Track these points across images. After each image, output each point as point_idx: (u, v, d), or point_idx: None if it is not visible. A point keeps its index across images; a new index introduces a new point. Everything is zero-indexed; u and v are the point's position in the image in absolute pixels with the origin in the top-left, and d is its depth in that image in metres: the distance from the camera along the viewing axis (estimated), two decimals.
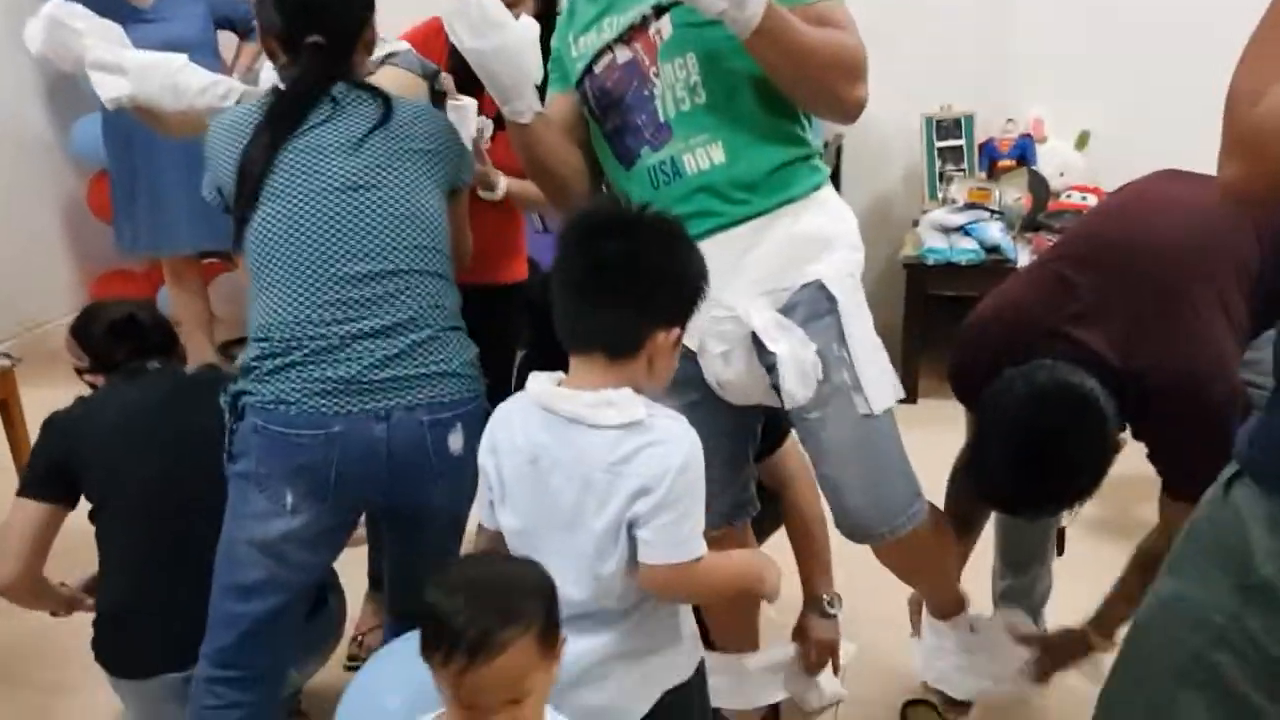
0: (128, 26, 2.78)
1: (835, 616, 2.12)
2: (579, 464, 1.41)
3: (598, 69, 1.79)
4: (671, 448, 1.39)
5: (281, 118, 1.76)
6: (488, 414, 1.79)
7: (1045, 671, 2.09)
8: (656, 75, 1.73)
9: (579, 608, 1.45)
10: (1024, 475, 1.75)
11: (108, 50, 1.99)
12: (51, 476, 1.98)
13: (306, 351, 1.69)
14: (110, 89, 1.98)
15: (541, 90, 1.78)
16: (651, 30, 1.73)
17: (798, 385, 1.73)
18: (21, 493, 2.00)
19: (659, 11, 1.72)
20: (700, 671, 1.59)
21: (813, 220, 1.78)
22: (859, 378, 1.74)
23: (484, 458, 1.53)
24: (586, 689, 1.48)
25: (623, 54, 1.76)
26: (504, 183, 2.28)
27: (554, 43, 1.90)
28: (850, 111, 1.71)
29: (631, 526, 1.40)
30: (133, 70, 1.95)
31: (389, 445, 1.71)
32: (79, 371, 2.19)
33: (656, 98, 1.74)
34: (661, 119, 1.74)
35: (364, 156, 1.76)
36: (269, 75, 2.24)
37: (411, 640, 1.29)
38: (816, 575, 2.15)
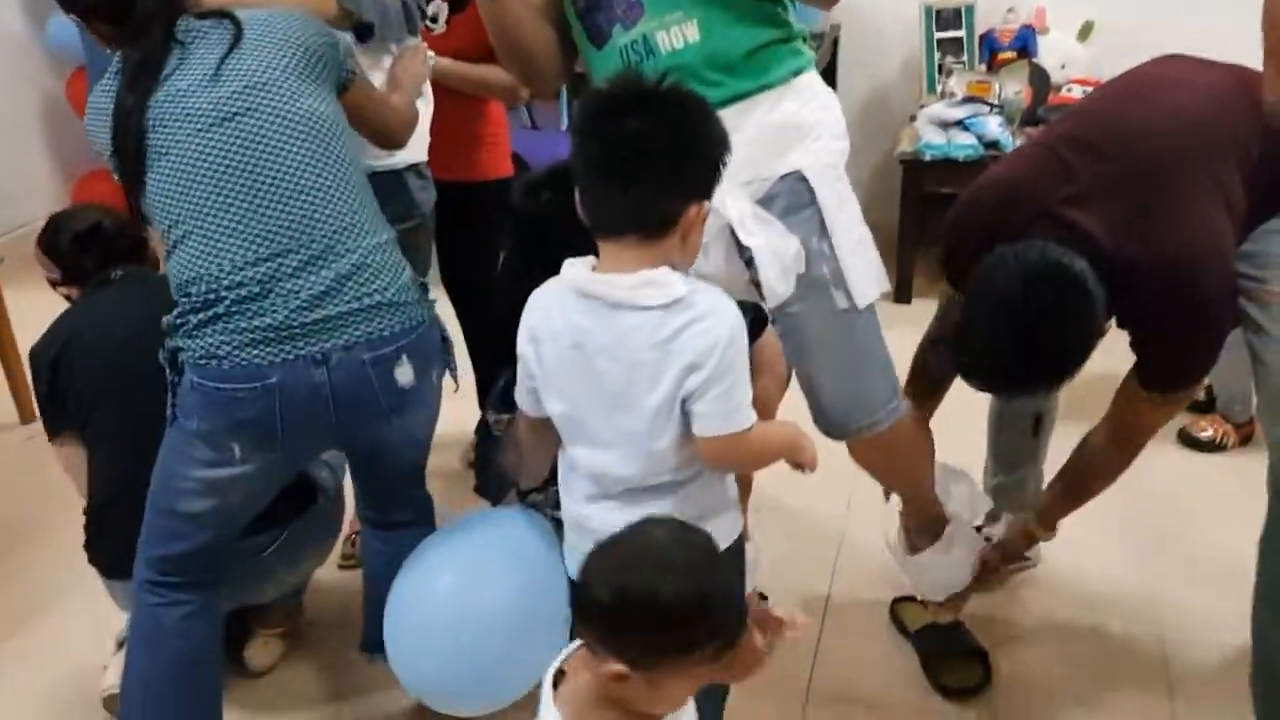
0: None
1: None
2: (624, 346, 1.43)
3: None
4: (716, 321, 1.41)
5: (137, 77, 1.68)
6: (442, 334, 1.80)
7: (994, 567, 2.17)
8: None
9: (632, 482, 1.49)
10: (1008, 351, 1.75)
11: None
12: (58, 410, 2.01)
13: (229, 302, 1.63)
14: None
15: None
16: None
17: (777, 280, 1.71)
18: (51, 439, 2.04)
19: None
20: (741, 537, 1.62)
21: (793, 107, 1.73)
22: (841, 271, 1.72)
23: (523, 346, 1.53)
24: None
25: None
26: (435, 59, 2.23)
27: None
28: None
29: (684, 402, 1.43)
30: None
31: (332, 389, 1.65)
32: (52, 284, 2.18)
33: None
34: None
35: (226, 85, 1.67)
36: None
37: (459, 523, 1.27)
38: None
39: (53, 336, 2.01)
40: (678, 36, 1.68)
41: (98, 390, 1.95)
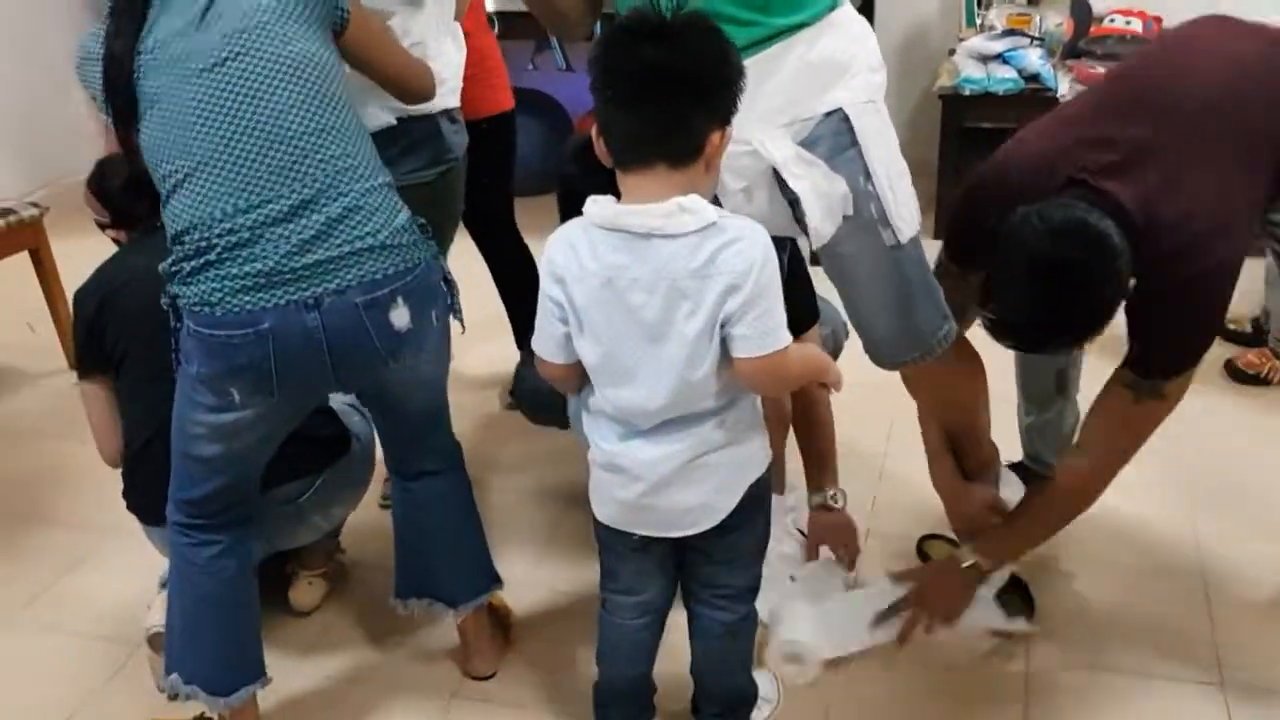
0: None
1: (841, 509, 2.15)
2: (661, 275, 1.44)
3: None
4: (750, 243, 1.43)
5: (121, 23, 1.66)
6: (445, 276, 1.78)
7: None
8: None
9: (669, 413, 1.52)
10: (1037, 308, 1.74)
11: None
12: (92, 352, 2.01)
13: (220, 249, 1.62)
14: None
15: None
16: None
17: (823, 221, 1.71)
18: (80, 377, 2.04)
19: None
20: (769, 470, 1.65)
21: (830, 44, 1.71)
22: (885, 210, 1.72)
23: (550, 288, 1.53)
24: (677, 489, 1.55)
25: None
26: None
27: None
28: None
29: (724, 325, 1.45)
30: None
31: (325, 333, 1.64)
32: (100, 226, 2.18)
33: None
34: None
35: (214, 29, 1.64)
36: None
37: None
38: (823, 468, 2.17)
39: (99, 281, 2.03)
40: None
41: (133, 338, 1.97)
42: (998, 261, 1.77)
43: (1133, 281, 1.76)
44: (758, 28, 1.66)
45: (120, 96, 1.67)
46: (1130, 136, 1.77)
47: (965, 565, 1.98)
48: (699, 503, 1.56)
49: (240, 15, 1.65)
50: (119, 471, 2.09)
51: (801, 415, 2.18)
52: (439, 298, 1.78)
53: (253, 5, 1.66)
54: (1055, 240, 1.69)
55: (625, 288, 1.46)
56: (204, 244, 1.63)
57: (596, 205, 1.48)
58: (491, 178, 2.60)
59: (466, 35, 2.34)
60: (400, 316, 1.69)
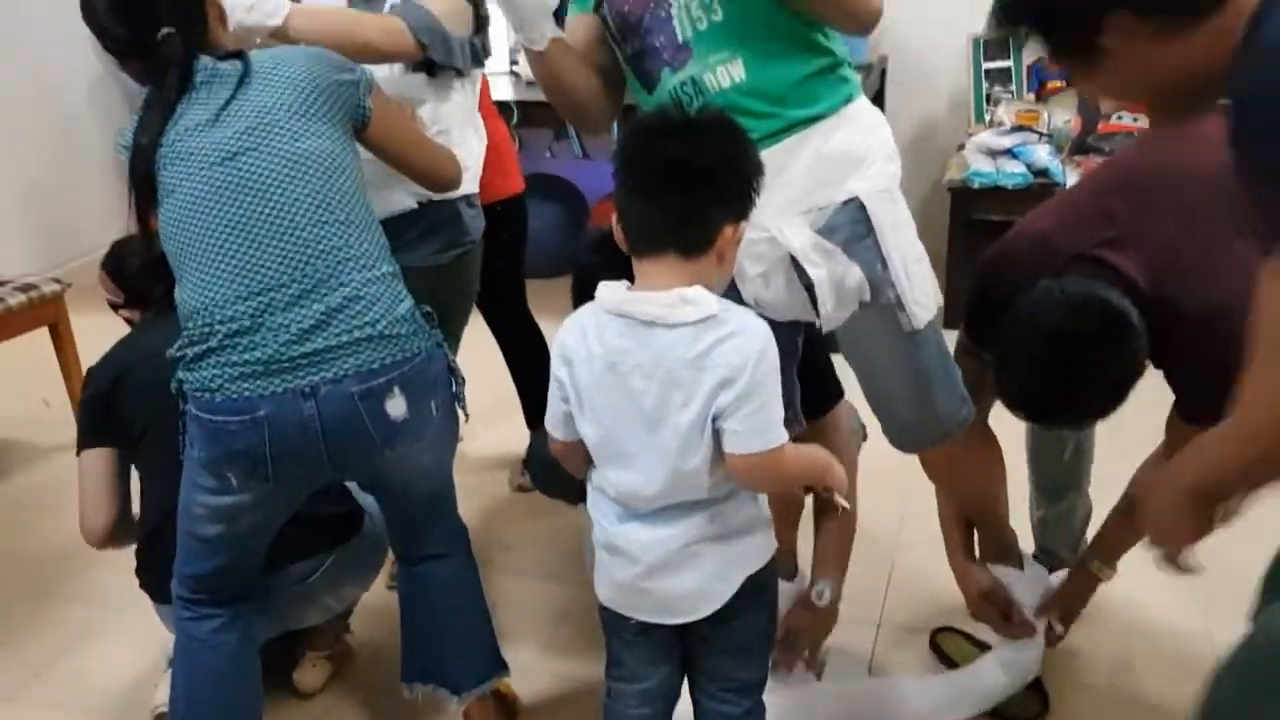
0: None
1: (823, 608, 2.10)
2: (659, 364, 1.46)
3: None
4: (748, 337, 1.44)
5: (150, 117, 1.72)
6: (449, 365, 1.80)
7: (1064, 620, 2.10)
8: None
9: (665, 499, 1.51)
10: (1054, 382, 1.75)
11: None
12: (100, 423, 2.03)
13: (221, 336, 1.65)
14: None
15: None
16: None
17: (836, 308, 1.75)
18: (80, 448, 2.05)
19: None
20: (774, 562, 1.63)
21: (846, 136, 1.76)
22: (902, 296, 1.75)
23: (558, 369, 1.56)
24: (672, 575, 1.54)
25: None
26: None
27: None
28: (865, 22, 1.69)
29: (716, 419, 1.45)
30: None
31: (321, 422, 1.66)
32: (113, 306, 2.21)
33: (674, 18, 1.72)
34: (680, 39, 1.72)
35: (231, 124, 1.70)
36: None
37: None
38: (825, 559, 2.13)
39: (112, 362, 2.05)
40: (724, 76, 1.71)
41: (152, 419, 1.98)
42: (1013, 333, 1.79)
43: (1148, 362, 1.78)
44: (775, 120, 1.71)
45: (142, 184, 1.72)
46: (1130, 213, 1.80)
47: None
48: (694, 588, 1.55)
49: (256, 112, 1.70)
50: (131, 549, 2.09)
51: (818, 501, 2.17)
52: (440, 387, 1.78)
53: (269, 103, 1.71)
54: (1076, 314, 1.71)
55: (627, 372, 1.48)
56: (207, 330, 1.66)
57: (607, 289, 1.51)
58: (504, 260, 2.64)
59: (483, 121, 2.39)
60: (396, 406, 1.70)
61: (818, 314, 1.77)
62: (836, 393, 2.13)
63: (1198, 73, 1.23)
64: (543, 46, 1.74)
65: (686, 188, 1.44)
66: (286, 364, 1.64)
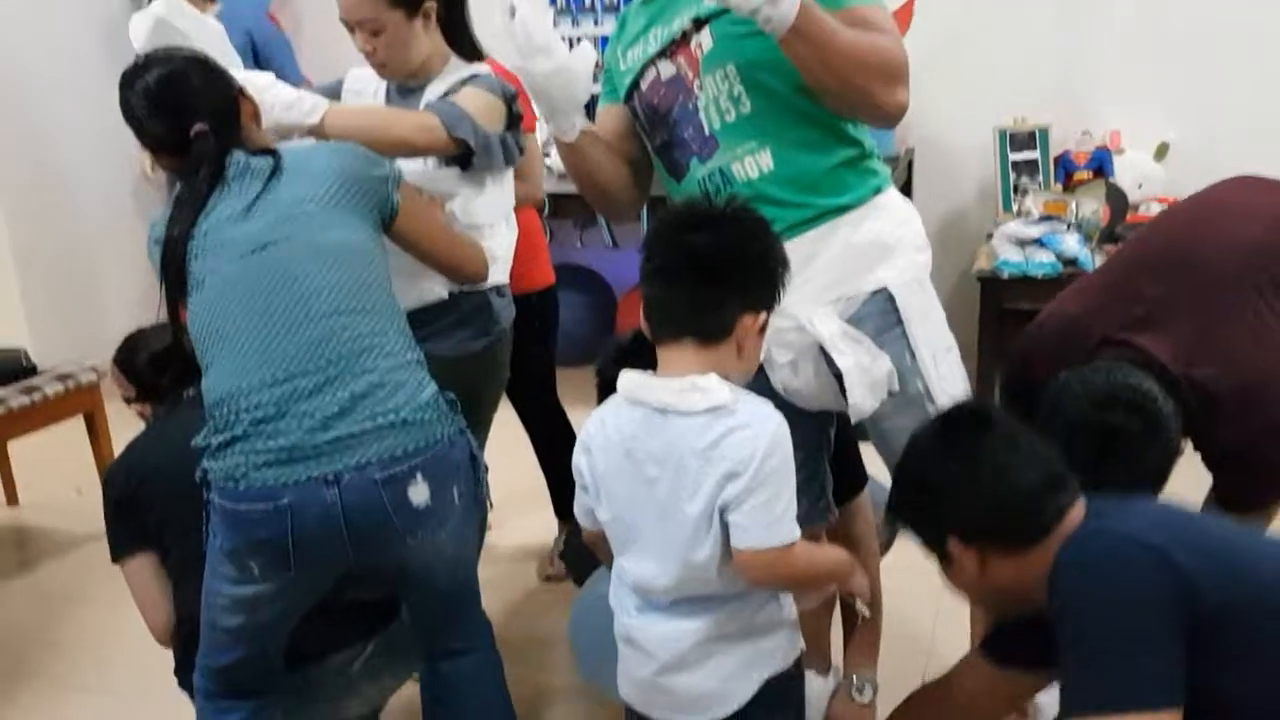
0: None
1: (865, 705, 2.08)
2: (670, 451, 1.45)
3: (644, 85, 1.81)
4: (757, 430, 1.43)
5: (182, 210, 1.76)
6: (471, 452, 1.79)
7: None
8: (700, 88, 1.74)
9: (679, 591, 1.49)
10: (1081, 475, 1.71)
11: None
12: (128, 529, 2.02)
13: (247, 424, 1.66)
14: None
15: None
16: (693, 43, 1.74)
17: (865, 397, 1.74)
18: (114, 558, 2.05)
19: (699, 24, 1.73)
20: (799, 664, 1.60)
21: (875, 226, 1.77)
22: (931, 387, 1.75)
23: (578, 458, 1.56)
24: (688, 673, 1.51)
25: (666, 69, 1.78)
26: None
27: (605, 54, 1.93)
28: (890, 115, 1.70)
29: (724, 512, 1.43)
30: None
31: (343, 510, 1.65)
32: (126, 400, 2.22)
33: (701, 110, 1.75)
34: (707, 131, 1.75)
35: (261, 216, 1.73)
36: (353, 83, 2.29)
37: None
38: (862, 651, 2.12)
39: (129, 467, 2.04)
40: (752, 166, 1.73)
41: (177, 523, 1.97)
42: (1040, 428, 1.77)
43: (1187, 442, 1.75)
44: (804, 209, 1.73)
45: (174, 276, 1.75)
46: (1158, 291, 1.79)
47: None
48: (712, 688, 1.51)
49: (286, 204, 1.74)
50: (150, 639, 2.07)
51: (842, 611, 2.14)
52: (463, 474, 1.78)
53: (299, 195, 1.75)
54: (1100, 405, 1.69)
55: (642, 460, 1.48)
56: (232, 418, 1.67)
57: (627, 377, 1.51)
58: (535, 349, 2.66)
59: (515, 213, 2.43)
60: (419, 493, 1.69)
61: (847, 403, 1.76)
62: (862, 480, 2.12)
63: (1026, 583, 1.45)
64: (573, 138, 1.78)
65: (705, 276, 1.45)
66: (310, 451, 1.65)
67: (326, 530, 1.66)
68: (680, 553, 1.46)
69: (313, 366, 1.67)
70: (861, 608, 1.60)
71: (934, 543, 1.53)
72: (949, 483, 1.50)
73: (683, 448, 1.44)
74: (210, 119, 1.77)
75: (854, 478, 2.09)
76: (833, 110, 1.72)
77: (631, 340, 1.80)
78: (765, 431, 1.43)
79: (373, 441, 1.66)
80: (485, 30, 2.24)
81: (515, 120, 2.17)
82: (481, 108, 2.07)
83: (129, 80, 1.79)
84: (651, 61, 1.79)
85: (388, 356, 1.72)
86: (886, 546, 2.31)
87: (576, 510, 1.61)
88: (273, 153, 1.80)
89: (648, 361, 1.52)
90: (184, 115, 1.76)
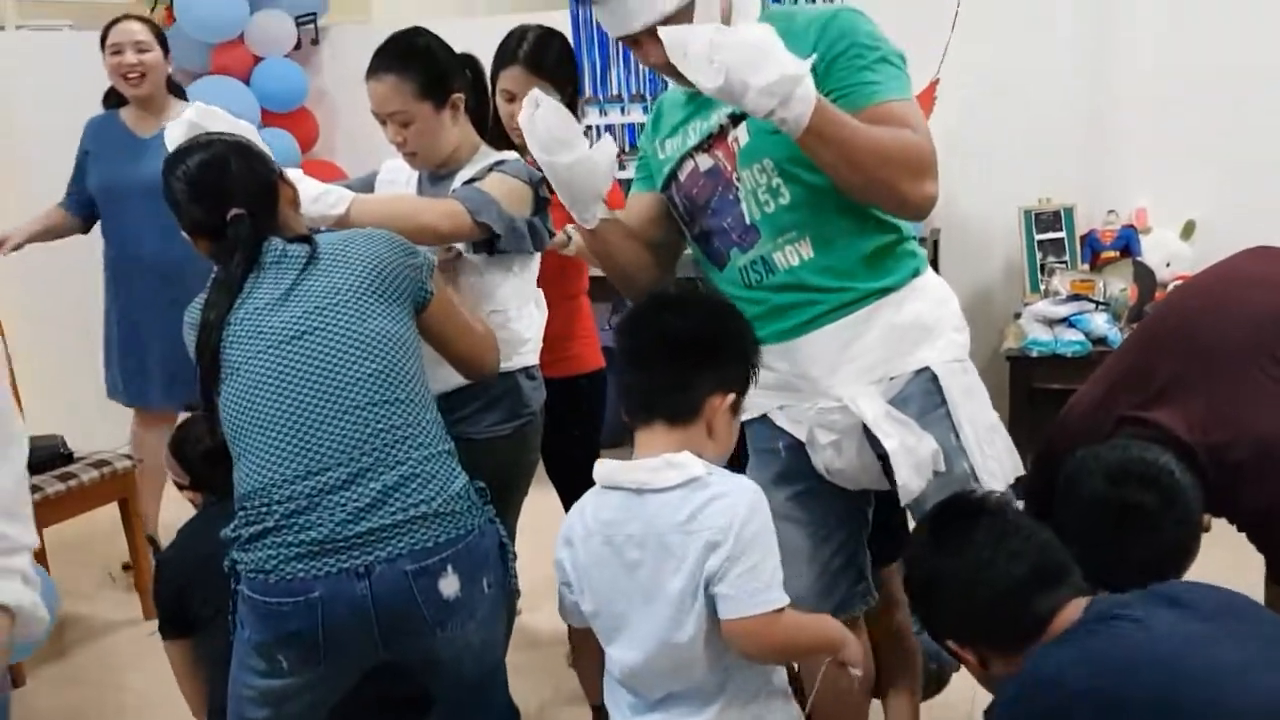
0: (131, 155, 3.12)
1: None
2: (650, 530, 1.46)
3: (682, 176, 1.84)
4: (734, 498, 1.44)
5: (218, 295, 1.78)
6: (501, 540, 1.79)
7: None
8: (738, 180, 1.77)
9: (666, 681, 1.48)
10: (1107, 553, 1.69)
11: None
12: (174, 614, 2.06)
13: (278, 516, 1.66)
14: None
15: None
16: (730, 137, 1.77)
17: (912, 478, 1.74)
18: (164, 636, 2.09)
19: (735, 120, 1.76)
20: None
21: (915, 307, 1.79)
22: (976, 467, 1.74)
23: (559, 552, 1.58)
24: None
25: (704, 161, 1.81)
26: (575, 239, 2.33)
27: (640, 142, 1.98)
28: (918, 208, 1.71)
29: (709, 585, 1.43)
30: None
31: (374, 603, 1.64)
32: (179, 487, 2.25)
33: (741, 201, 1.77)
34: (748, 221, 1.77)
35: (297, 304, 1.75)
36: (387, 173, 2.35)
37: None
38: (902, 709, 2.09)
39: (182, 557, 2.08)
40: (793, 254, 1.75)
41: (213, 610, 1.99)
42: (1059, 505, 1.76)
43: (1208, 518, 1.73)
44: (846, 293, 1.75)
45: (208, 362, 1.77)
46: (1172, 367, 1.79)
47: None
48: None
49: (323, 293, 1.75)
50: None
51: (883, 683, 2.11)
52: (492, 565, 1.77)
53: (336, 284, 1.77)
54: (1115, 482, 1.68)
55: (622, 544, 1.49)
56: (264, 510, 1.68)
57: (600, 465, 1.53)
58: (580, 431, 2.64)
59: (573, 296, 2.47)
60: (450, 585, 1.69)
61: (889, 482, 1.76)
62: (902, 545, 2.08)
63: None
64: (592, 225, 1.81)
65: (671, 356, 1.49)
66: (341, 544, 1.64)
67: (357, 623, 1.65)
68: (662, 634, 1.46)
69: (346, 458, 1.68)
70: (855, 672, 1.58)
71: (939, 641, 1.53)
72: (934, 584, 1.52)
73: (661, 525, 1.45)
74: (247, 203, 1.80)
75: (899, 542, 2.06)
76: (862, 203, 1.74)
77: None
78: (742, 499, 1.44)
79: (404, 533, 1.66)
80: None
81: (542, 205, 2.20)
82: (507, 193, 2.12)
83: (171, 165, 1.85)
84: (689, 154, 1.82)
85: (420, 447, 1.72)
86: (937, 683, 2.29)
87: (560, 609, 1.63)
88: (309, 240, 1.82)
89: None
90: (222, 200, 1.80)
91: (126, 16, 3.40)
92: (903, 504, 1.78)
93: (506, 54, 2.52)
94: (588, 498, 1.56)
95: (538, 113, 1.66)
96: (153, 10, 4.64)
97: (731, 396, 1.51)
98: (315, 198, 1.99)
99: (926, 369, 1.76)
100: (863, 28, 1.73)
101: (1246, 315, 1.81)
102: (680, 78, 1.64)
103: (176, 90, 3.50)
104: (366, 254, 1.81)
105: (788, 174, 1.73)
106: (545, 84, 2.29)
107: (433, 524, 1.68)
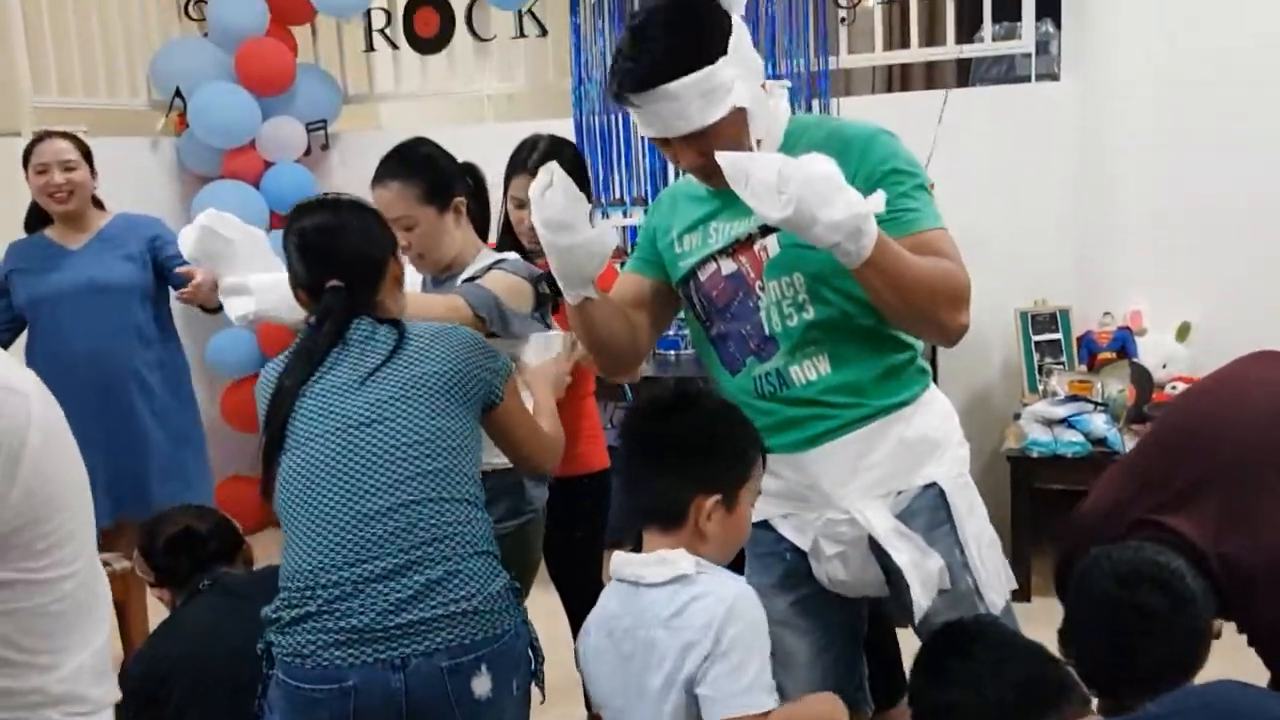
0: (60, 265, 3.12)
1: None
2: (640, 623, 1.48)
3: (703, 277, 1.83)
4: (716, 599, 1.44)
5: (300, 364, 1.80)
6: (531, 644, 1.79)
7: None
8: (762, 289, 1.77)
9: None
10: (1112, 654, 1.69)
11: (236, 276, 2.12)
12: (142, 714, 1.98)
13: (321, 601, 1.67)
14: (237, 308, 2.12)
15: None
16: (757, 246, 1.77)
17: (922, 594, 1.74)
18: None
19: (765, 230, 1.75)
20: None
21: (925, 422, 1.80)
22: (979, 583, 1.75)
23: (580, 641, 1.60)
24: None
25: (727, 265, 1.81)
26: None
27: (643, 225, 1.99)
28: (952, 336, 1.73)
29: (692, 686, 1.43)
30: (256, 290, 2.09)
31: (406, 695, 1.64)
32: (149, 584, 2.23)
33: (762, 310, 1.77)
34: (767, 331, 1.78)
35: (373, 391, 1.76)
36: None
37: None
38: None
39: (151, 662, 2.02)
40: (810, 370, 1.76)
41: (196, 716, 1.95)
42: (1072, 610, 1.76)
43: (1219, 624, 1.72)
44: (859, 409, 1.75)
45: (274, 430, 1.79)
46: (1185, 471, 1.80)
47: None
48: None
49: (399, 384, 1.77)
50: None
51: None
52: (522, 666, 1.77)
53: (414, 377, 1.78)
54: (1126, 583, 1.68)
55: (620, 637, 1.50)
56: (308, 593, 1.68)
57: (614, 557, 1.55)
58: (585, 531, 2.65)
59: (580, 397, 2.49)
60: (482, 684, 1.68)
61: (894, 596, 1.77)
62: (899, 689, 2.07)
63: None
64: (576, 304, 1.81)
65: (656, 461, 1.51)
66: (380, 633, 1.64)
67: (388, 715, 1.65)
68: None
69: (395, 549, 1.68)
70: None
71: None
72: (931, 712, 1.51)
73: (650, 619, 1.46)
74: (349, 276, 1.83)
75: (894, 687, 2.07)
76: (895, 327, 1.75)
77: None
78: (723, 600, 1.43)
79: (443, 629, 1.66)
80: None
81: (543, 300, 2.24)
82: (507, 288, 2.16)
83: (298, 213, 1.90)
84: (713, 256, 1.82)
85: (466, 545, 1.73)
86: None
87: (584, 697, 1.63)
88: (399, 325, 1.84)
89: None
90: (325, 266, 1.83)
91: (50, 134, 3.35)
92: (915, 622, 1.77)
93: (518, 162, 2.60)
94: (608, 590, 1.58)
95: (549, 192, 1.66)
96: (166, 118, 4.76)
97: (715, 498, 1.51)
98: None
99: (934, 484, 1.77)
100: (902, 153, 1.76)
101: (1260, 419, 1.83)
102: (717, 180, 1.64)
103: (98, 203, 3.45)
104: (450, 354, 1.83)
105: (815, 291, 1.74)
106: None
107: (471, 622, 1.68)
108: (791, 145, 1.71)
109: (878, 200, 1.54)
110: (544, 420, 2.06)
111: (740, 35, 1.68)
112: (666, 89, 1.64)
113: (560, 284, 1.79)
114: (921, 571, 1.73)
